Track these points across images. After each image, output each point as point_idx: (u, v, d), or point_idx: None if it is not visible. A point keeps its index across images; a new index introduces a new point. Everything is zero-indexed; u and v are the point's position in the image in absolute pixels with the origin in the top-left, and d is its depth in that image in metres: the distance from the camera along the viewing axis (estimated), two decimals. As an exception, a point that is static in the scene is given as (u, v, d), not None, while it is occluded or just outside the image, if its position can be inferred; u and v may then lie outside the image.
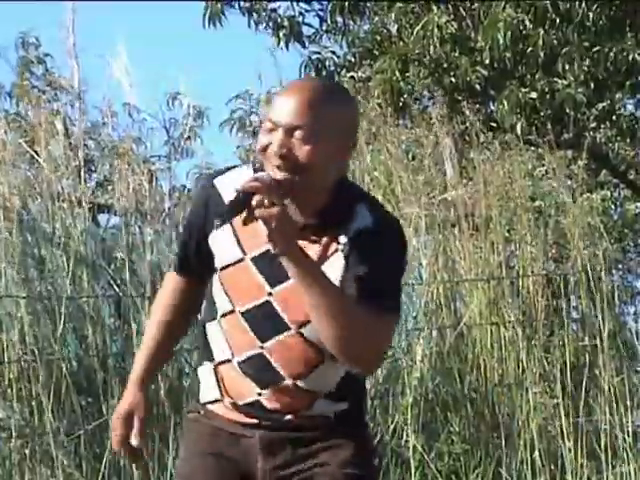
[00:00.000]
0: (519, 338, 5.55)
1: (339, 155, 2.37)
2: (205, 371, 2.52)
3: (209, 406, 2.52)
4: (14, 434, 4.83)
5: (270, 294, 2.39)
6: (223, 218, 2.38)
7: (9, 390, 4.89)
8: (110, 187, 5.58)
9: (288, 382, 2.41)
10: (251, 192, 2.24)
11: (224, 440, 2.49)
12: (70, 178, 5.59)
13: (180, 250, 2.58)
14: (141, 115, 6.29)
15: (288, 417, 2.44)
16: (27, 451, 4.82)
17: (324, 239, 2.37)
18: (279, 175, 2.30)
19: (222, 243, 2.43)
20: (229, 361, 2.45)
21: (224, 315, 2.45)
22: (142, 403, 2.55)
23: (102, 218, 6.06)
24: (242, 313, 2.42)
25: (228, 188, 2.38)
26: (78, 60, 5.91)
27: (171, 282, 2.61)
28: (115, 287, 5.37)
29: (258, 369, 2.42)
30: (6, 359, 4.89)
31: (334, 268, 2.35)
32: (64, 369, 4.89)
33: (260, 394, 2.43)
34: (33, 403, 4.85)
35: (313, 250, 2.35)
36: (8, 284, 5.08)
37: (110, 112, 6.12)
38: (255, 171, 2.39)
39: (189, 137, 7.03)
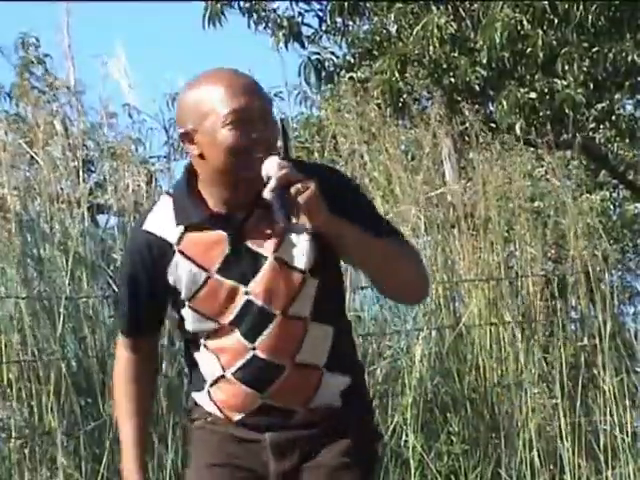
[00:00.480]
0: (518, 339, 5.54)
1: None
2: (201, 397, 2.53)
3: (211, 421, 2.52)
4: (14, 434, 4.84)
5: (247, 293, 2.40)
6: (232, 236, 2.38)
7: (9, 390, 4.89)
8: (110, 188, 5.55)
9: (288, 368, 2.42)
10: (286, 185, 2.26)
11: (233, 447, 2.50)
12: (69, 179, 5.59)
13: (129, 311, 2.52)
14: (141, 116, 6.23)
15: (299, 411, 2.45)
16: (27, 451, 4.82)
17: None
18: (277, 160, 2.30)
19: (183, 274, 2.42)
20: (223, 377, 2.46)
21: (208, 337, 2.46)
22: None
23: (101, 219, 6.06)
24: (229, 323, 2.43)
25: (161, 226, 2.43)
26: (74, 61, 5.89)
27: (126, 356, 2.57)
28: (114, 287, 5.37)
29: (256, 371, 2.42)
30: (5, 359, 4.89)
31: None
32: (63, 369, 4.89)
33: (264, 397, 2.44)
34: (33, 403, 4.85)
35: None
36: (7, 284, 5.09)
37: (107, 113, 6.12)
38: (172, 197, 2.44)
39: None
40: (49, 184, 5.41)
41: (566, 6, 7.22)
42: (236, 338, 2.42)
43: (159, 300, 2.48)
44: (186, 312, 2.45)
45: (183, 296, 2.43)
